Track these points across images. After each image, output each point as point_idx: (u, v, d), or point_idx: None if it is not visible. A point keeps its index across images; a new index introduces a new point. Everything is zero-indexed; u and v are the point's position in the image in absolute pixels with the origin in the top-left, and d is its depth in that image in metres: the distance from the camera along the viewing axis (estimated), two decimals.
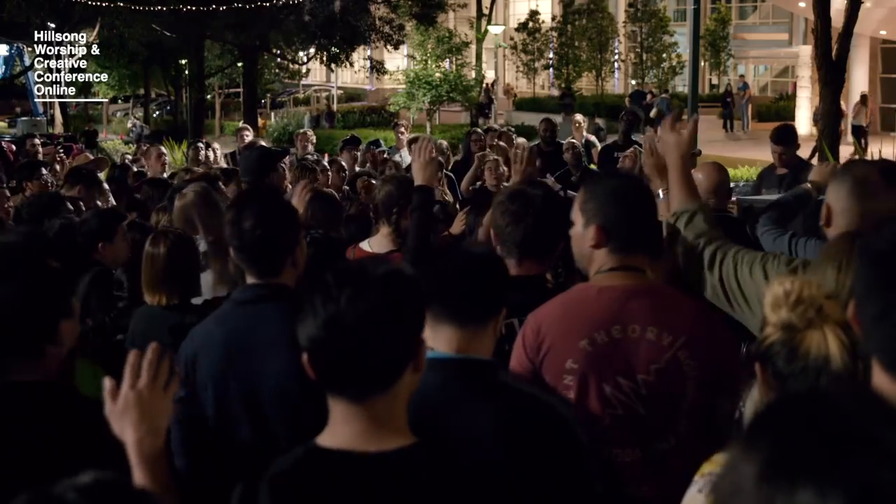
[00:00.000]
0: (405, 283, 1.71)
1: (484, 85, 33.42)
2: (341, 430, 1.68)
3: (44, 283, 2.07)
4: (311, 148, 9.79)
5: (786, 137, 6.29)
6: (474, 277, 2.15)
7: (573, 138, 9.77)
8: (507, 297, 2.25)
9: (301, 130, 11.43)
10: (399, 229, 4.07)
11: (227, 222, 2.70)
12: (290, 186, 6.97)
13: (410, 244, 3.65)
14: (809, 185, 4.35)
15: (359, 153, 9.47)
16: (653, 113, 24.30)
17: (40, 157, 10.47)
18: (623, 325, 2.48)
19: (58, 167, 9.05)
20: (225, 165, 8.72)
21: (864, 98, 23.04)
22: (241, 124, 13.95)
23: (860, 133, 21.95)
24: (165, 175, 7.85)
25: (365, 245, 4.18)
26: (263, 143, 9.90)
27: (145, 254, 3.66)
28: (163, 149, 8.76)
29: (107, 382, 1.80)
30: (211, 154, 9.14)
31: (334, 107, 36.28)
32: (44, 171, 7.15)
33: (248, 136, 10.41)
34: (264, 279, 2.65)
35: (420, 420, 1.77)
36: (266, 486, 1.67)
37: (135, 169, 9.06)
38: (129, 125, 32.01)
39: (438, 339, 2.10)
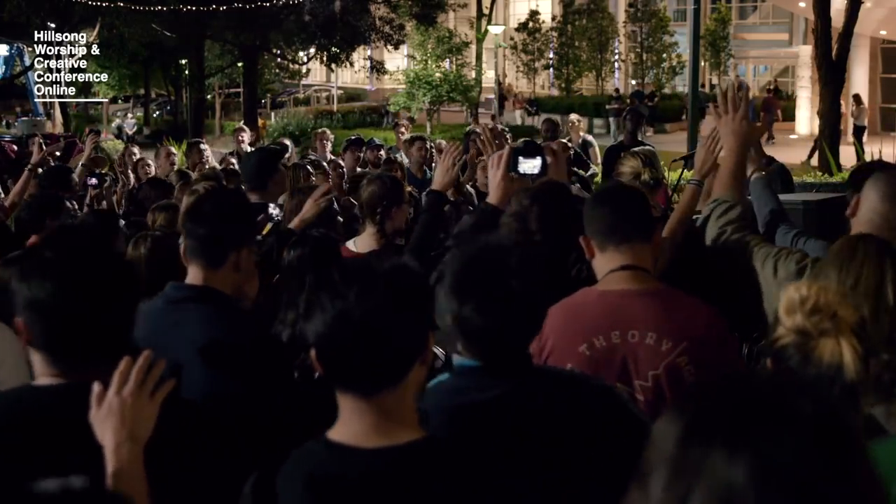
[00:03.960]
0: (412, 278, 1.72)
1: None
2: (352, 426, 1.69)
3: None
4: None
5: None
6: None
7: (570, 139, 9.73)
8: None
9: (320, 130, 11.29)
10: (383, 229, 4.06)
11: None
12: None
13: (413, 244, 3.63)
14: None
15: (361, 154, 9.43)
16: None
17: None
18: (622, 330, 2.47)
19: None
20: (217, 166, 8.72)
21: (857, 98, 22.95)
22: (239, 125, 13.82)
23: (861, 133, 21.87)
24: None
25: (350, 244, 4.15)
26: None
27: (126, 257, 3.60)
28: (172, 149, 8.87)
29: (95, 387, 1.81)
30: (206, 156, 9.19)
31: (334, 106, 36.25)
32: (39, 170, 7.13)
33: (245, 137, 10.33)
34: (206, 271, 2.63)
35: None
36: (278, 480, 1.68)
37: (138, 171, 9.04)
38: (115, 125, 31.85)
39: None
